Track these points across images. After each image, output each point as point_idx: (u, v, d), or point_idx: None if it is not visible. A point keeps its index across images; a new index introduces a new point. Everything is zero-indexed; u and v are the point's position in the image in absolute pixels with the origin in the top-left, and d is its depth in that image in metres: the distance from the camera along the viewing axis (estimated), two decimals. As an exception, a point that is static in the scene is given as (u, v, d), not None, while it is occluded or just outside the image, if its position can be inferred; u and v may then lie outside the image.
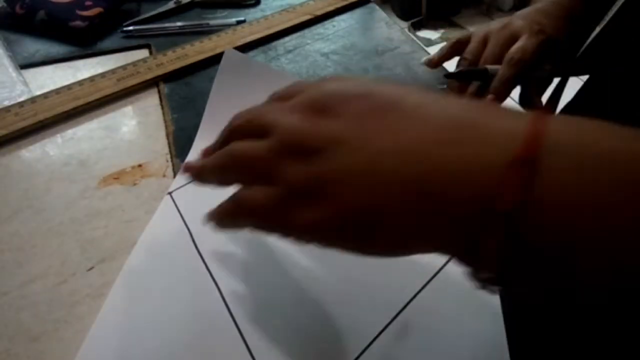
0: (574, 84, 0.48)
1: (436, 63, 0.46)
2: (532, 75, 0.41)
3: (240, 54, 0.42)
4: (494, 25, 0.43)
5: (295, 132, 0.20)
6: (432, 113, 0.18)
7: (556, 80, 0.44)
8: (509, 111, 0.18)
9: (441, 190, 0.17)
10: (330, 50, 0.51)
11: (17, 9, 0.53)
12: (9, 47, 0.50)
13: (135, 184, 0.35)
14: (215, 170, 0.23)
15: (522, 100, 0.43)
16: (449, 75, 0.41)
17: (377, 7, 0.60)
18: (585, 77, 0.47)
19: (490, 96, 0.39)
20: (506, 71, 0.39)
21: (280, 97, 0.23)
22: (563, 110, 0.50)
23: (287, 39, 0.54)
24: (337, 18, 0.58)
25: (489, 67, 0.40)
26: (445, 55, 0.46)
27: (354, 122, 0.19)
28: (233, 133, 0.23)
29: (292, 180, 0.19)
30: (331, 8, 0.58)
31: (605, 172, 0.16)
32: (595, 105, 0.44)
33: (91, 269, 0.29)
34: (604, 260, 0.15)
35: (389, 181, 0.17)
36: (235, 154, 0.22)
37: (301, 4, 0.58)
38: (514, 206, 0.15)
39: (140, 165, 0.37)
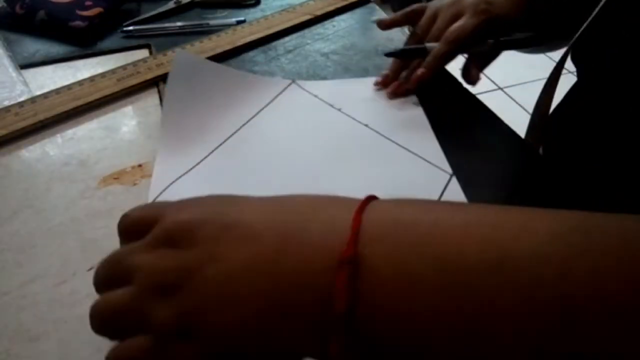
0: (565, 84, 0.48)
1: (387, 25, 0.48)
2: (473, 50, 0.43)
3: (190, 54, 0.41)
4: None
5: (154, 272, 0.19)
6: (262, 229, 0.19)
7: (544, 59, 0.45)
8: (335, 203, 0.19)
9: (288, 300, 0.17)
10: (330, 50, 0.51)
11: (17, 9, 0.53)
12: (9, 47, 0.50)
13: (135, 184, 0.35)
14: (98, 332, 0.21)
15: (463, 73, 0.46)
16: (389, 53, 0.44)
17: (377, 7, 0.60)
18: (573, 77, 0.47)
19: (420, 70, 0.42)
20: (441, 48, 0.41)
21: (135, 227, 0.22)
22: (555, 111, 0.50)
23: (287, 39, 0.54)
24: (337, 18, 0.58)
25: (428, 45, 0.42)
26: (398, 21, 0.48)
27: (204, 248, 0.19)
28: (99, 285, 0.22)
29: (160, 324, 0.18)
30: (331, 8, 0.58)
31: (415, 254, 0.17)
32: (586, 104, 0.45)
33: (91, 269, 0.29)
34: (442, 332, 0.16)
35: (242, 298, 0.17)
36: (101, 311, 0.20)
37: (301, 4, 0.58)
38: (348, 304, 0.16)
39: (140, 165, 0.37)
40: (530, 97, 0.51)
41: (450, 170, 0.35)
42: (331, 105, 0.41)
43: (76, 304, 0.28)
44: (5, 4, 0.54)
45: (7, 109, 0.41)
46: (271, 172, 0.36)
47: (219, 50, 0.49)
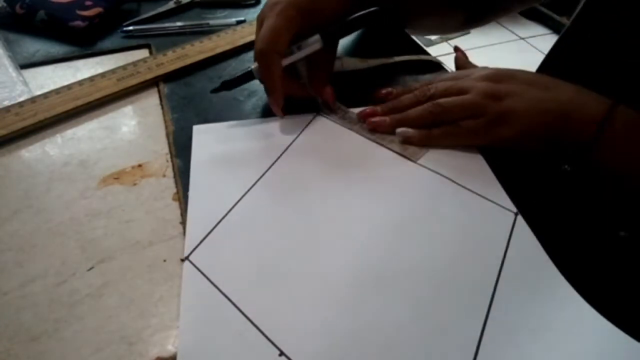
0: (547, 43, 0.48)
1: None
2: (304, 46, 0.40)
3: (206, 125, 0.41)
4: None
5: (488, 88, 0.36)
6: (561, 89, 0.36)
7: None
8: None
9: (560, 121, 0.34)
10: (330, 50, 0.51)
11: (17, 9, 0.53)
12: (9, 47, 0.50)
13: (135, 184, 0.35)
14: (422, 117, 0.38)
15: (323, 105, 0.42)
16: (214, 90, 0.41)
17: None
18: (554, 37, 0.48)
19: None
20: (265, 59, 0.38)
21: (455, 77, 0.40)
22: (539, 69, 0.49)
23: (287, 39, 0.53)
24: (337, 18, 0.58)
25: (253, 67, 0.40)
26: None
27: (522, 86, 0.36)
28: (434, 95, 0.38)
29: (490, 112, 0.35)
30: (331, 8, 0.58)
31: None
32: (568, 61, 0.45)
33: (91, 269, 0.29)
34: None
35: (540, 112, 0.35)
36: (446, 104, 0.37)
37: (301, 4, 0.58)
38: (597, 128, 0.33)
39: (140, 165, 0.37)
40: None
41: (514, 209, 0.33)
42: (368, 138, 0.39)
43: (76, 304, 0.28)
44: (5, 4, 0.54)
45: (7, 109, 0.41)
46: (309, 202, 0.34)
47: (219, 50, 0.50)
